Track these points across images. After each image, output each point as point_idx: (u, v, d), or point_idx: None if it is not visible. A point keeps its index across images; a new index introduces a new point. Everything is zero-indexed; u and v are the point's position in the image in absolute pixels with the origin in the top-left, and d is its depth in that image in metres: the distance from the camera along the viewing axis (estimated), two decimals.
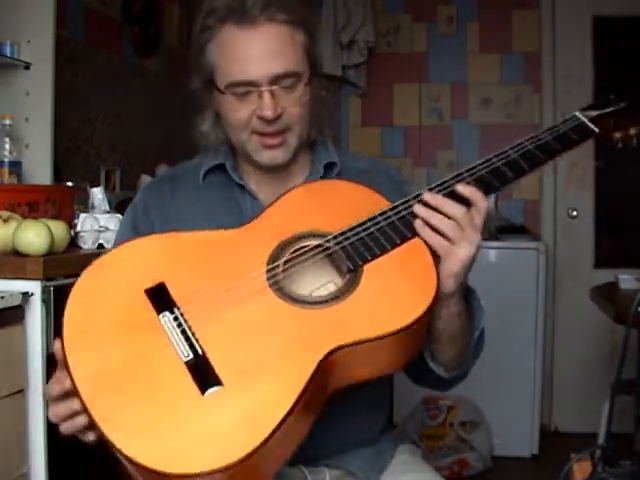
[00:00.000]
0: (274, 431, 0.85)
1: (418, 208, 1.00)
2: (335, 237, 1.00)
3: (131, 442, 0.85)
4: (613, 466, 1.65)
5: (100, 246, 1.94)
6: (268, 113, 1.10)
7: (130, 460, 0.84)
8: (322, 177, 1.21)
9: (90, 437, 0.94)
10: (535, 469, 3.21)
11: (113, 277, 1.00)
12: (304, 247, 1.01)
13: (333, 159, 1.23)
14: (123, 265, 1.01)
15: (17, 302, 1.56)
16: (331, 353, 0.91)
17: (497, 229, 3.48)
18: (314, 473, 1.17)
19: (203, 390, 0.89)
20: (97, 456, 1.86)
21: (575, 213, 3.74)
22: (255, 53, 1.11)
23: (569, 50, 3.69)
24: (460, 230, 0.99)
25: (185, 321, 0.95)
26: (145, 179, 2.86)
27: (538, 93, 3.76)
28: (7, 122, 2.08)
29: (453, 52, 3.82)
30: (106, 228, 1.94)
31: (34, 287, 1.60)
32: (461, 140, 3.81)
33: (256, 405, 0.87)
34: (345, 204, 1.05)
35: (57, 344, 0.95)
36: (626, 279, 2.30)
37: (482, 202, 1.01)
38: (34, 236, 1.63)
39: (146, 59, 3.27)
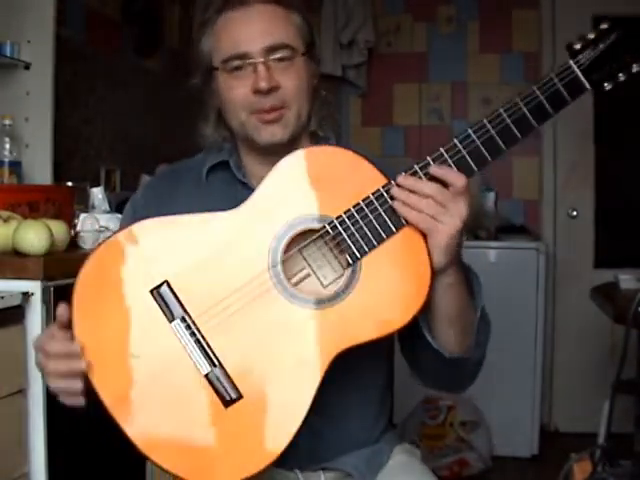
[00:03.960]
0: (295, 435, 0.89)
1: (395, 191, 0.99)
2: (334, 226, 0.99)
3: (158, 453, 0.90)
4: (613, 466, 1.65)
5: None
6: (262, 84, 1.10)
7: (166, 471, 0.89)
8: None
9: (81, 401, 0.96)
10: (535, 469, 3.21)
11: (115, 274, 0.97)
12: (304, 234, 1.00)
13: None
14: (121, 261, 0.97)
15: (17, 302, 1.55)
16: (337, 357, 0.94)
17: (497, 229, 3.48)
18: (309, 477, 1.17)
19: (225, 404, 0.91)
20: (97, 456, 1.87)
21: (575, 213, 3.74)
22: (248, 28, 1.13)
23: None
24: (440, 206, 0.98)
25: (197, 330, 0.95)
26: (145, 179, 2.86)
27: None
28: (7, 122, 2.08)
29: (453, 52, 3.82)
30: (106, 228, 1.94)
31: (34, 287, 1.60)
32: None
33: (275, 414, 0.90)
34: (343, 181, 1.00)
35: (62, 309, 0.95)
36: (626, 279, 2.30)
37: (458, 180, 0.99)
38: (34, 236, 1.63)
39: (146, 59, 3.27)
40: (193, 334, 0.95)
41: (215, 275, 0.97)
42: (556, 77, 1.00)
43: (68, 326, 0.95)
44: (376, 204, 0.99)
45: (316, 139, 1.24)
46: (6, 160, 2.05)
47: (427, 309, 1.03)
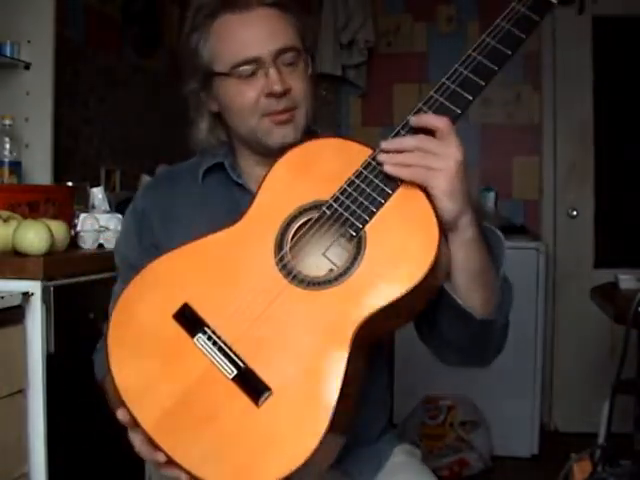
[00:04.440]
0: (331, 421, 0.87)
1: (381, 156, 0.97)
2: (329, 206, 0.98)
3: (206, 471, 0.89)
4: (613, 466, 1.65)
5: (100, 246, 1.94)
6: (277, 88, 1.10)
7: None
8: None
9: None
10: (535, 469, 3.21)
11: (141, 312, 1.00)
12: (304, 224, 1.00)
13: None
14: (147, 295, 1.01)
15: (17, 302, 1.56)
16: (356, 333, 0.92)
17: (497, 229, 3.48)
18: None
19: (256, 401, 0.91)
20: (97, 456, 1.87)
21: (575, 213, 3.74)
22: (255, 32, 1.12)
23: (569, 50, 3.69)
24: (430, 155, 0.96)
25: (219, 338, 0.96)
26: (145, 179, 2.86)
27: (538, 93, 3.76)
28: (7, 122, 2.08)
29: (453, 52, 3.80)
30: (106, 228, 1.94)
31: (34, 287, 1.60)
32: (461, 140, 3.80)
33: (307, 403, 0.90)
34: (330, 165, 1.01)
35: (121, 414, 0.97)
36: (626, 279, 2.30)
37: (440, 122, 0.97)
38: (34, 236, 1.63)
39: (146, 59, 3.27)
40: (215, 343, 0.95)
41: (230, 286, 0.98)
42: (519, 3, 1.01)
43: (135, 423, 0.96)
44: (366, 173, 0.97)
45: (309, 137, 1.24)
46: (6, 160, 2.05)
47: (451, 271, 1.01)
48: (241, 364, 0.93)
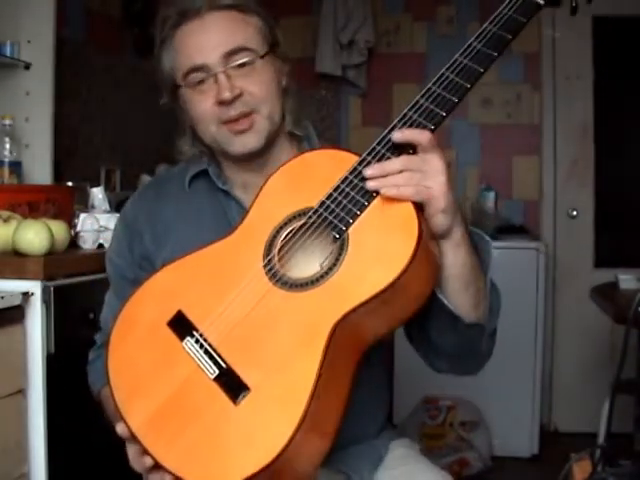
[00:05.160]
0: (301, 421, 0.87)
1: (370, 183, 0.95)
2: (316, 210, 0.98)
3: (186, 470, 0.90)
4: (613, 466, 1.65)
5: (100, 246, 1.94)
6: (226, 95, 1.09)
7: None
8: None
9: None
10: (535, 469, 3.21)
11: (140, 322, 1.03)
12: (293, 230, 1.00)
13: None
14: (147, 306, 1.04)
15: (17, 302, 1.55)
16: (333, 332, 0.91)
17: (497, 229, 3.48)
18: None
19: (234, 399, 0.92)
20: (97, 456, 1.87)
21: (575, 213, 3.74)
22: (203, 38, 1.11)
23: (569, 50, 3.69)
24: (418, 173, 0.94)
25: (205, 340, 0.97)
26: (145, 179, 2.86)
27: (538, 93, 3.76)
28: (7, 122, 2.08)
29: (453, 52, 3.79)
30: (106, 228, 1.94)
31: (34, 287, 1.60)
32: (461, 140, 3.80)
33: (281, 397, 0.90)
34: (323, 174, 1.01)
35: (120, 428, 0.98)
36: (626, 279, 2.31)
37: (421, 137, 0.95)
38: (34, 236, 1.63)
39: (146, 59, 3.26)
40: (202, 346, 0.97)
41: (221, 292, 0.99)
42: (506, 7, 1.01)
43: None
44: (351, 178, 0.97)
45: (296, 139, 1.24)
46: (6, 160, 2.05)
47: (442, 276, 1.01)
48: (223, 364, 0.94)
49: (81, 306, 1.75)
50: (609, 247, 3.73)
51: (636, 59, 3.64)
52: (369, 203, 0.96)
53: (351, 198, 0.96)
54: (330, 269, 0.95)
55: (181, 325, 1.00)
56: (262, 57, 1.13)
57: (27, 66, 2.24)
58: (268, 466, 0.85)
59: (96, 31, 2.88)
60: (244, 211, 1.18)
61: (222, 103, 1.10)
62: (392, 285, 0.91)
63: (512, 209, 3.75)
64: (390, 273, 0.91)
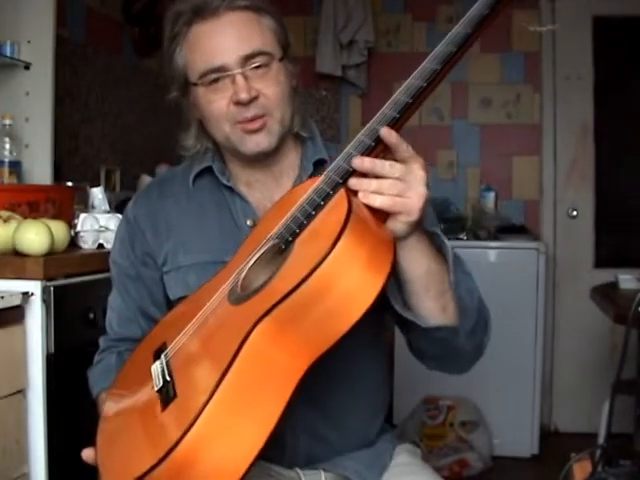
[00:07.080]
0: (196, 417, 0.84)
1: (353, 182, 0.92)
2: (278, 230, 0.97)
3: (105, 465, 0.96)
4: (613, 466, 1.65)
5: (100, 246, 1.94)
6: (243, 96, 1.09)
7: None
8: (311, 175, 1.17)
9: None
10: (535, 469, 3.21)
11: (138, 354, 1.12)
12: (262, 253, 1.00)
13: (322, 155, 1.21)
14: (150, 339, 1.12)
15: (17, 302, 1.56)
16: (248, 334, 0.86)
17: (497, 229, 3.48)
18: (310, 475, 1.16)
19: (164, 407, 0.92)
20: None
21: (575, 213, 3.74)
22: (222, 40, 1.11)
23: (569, 50, 3.69)
24: (401, 182, 0.91)
25: (166, 358, 1.00)
26: (145, 179, 2.86)
27: (538, 93, 3.76)
28: (7, 122, 2.08)
29: None
30: (106, 228, 1.94)
31: (34, 287, 1.60)
32: (461, 140, 3.81)
33: (185, 402, 0.90)
34: (296, 199, 0.98)
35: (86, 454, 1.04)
36: (626, 279, 2.31)
37: (402, 145, 0.93)
38: (34, 236, 1.63)
39: (146, 59, 3.27)
40: (162, 363, 0.99)
41: (193, 317, 1.02)
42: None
43: None
44: (313, 197, 0.94)
45: (300, 140, 1.24)
46: (6, 160, 2.05)
47: (399, 279, 0.98)
48: (167, 377, 0.96)
49: (81, 306, 1.75)
50: (609, 247, 3.73)
51: (636, 59, 3.64)
52: (316, 211, 0.93)
53: (303, 210, 0.94)
54: (270, 278, 0.93)
55: (160, 351, 1.03)
56: (280, 61, 1.14)
57: (27, 66, 2.24)
58: (154, 467, 0.84)
59: (96, 31, 2.88)
60: (248, 206, 1.19)
61: (238, 103, 1.11)
62: (309, 277, 0.85)
63: (512, 209, 3.75)
64: (309, 267, 0.85)
